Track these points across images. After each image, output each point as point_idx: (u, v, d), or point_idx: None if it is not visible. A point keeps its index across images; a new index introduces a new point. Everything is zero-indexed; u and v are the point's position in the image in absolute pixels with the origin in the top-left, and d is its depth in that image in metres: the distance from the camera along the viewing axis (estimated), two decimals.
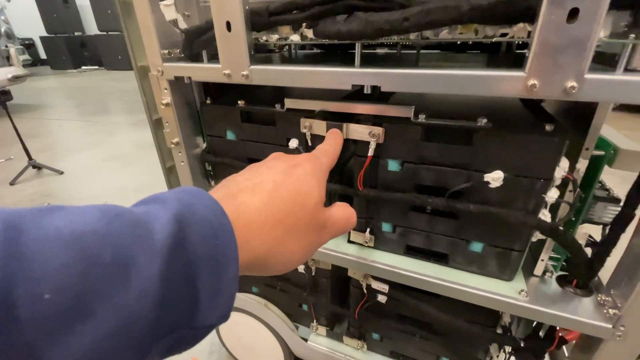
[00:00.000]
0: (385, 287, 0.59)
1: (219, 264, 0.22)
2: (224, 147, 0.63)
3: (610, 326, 0.43)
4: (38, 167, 2.09)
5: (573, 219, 0.48)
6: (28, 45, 6.31)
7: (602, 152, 0.43)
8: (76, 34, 6.23)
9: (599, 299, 0.46)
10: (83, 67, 6.38)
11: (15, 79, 3.01)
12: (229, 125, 0.60)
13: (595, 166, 0.44)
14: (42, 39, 6.19)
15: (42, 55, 6.47)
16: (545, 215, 0.44)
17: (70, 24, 6.11)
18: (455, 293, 0.51)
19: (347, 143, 0.52)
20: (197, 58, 0.56)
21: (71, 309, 0.15)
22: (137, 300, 0.17)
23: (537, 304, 0.47)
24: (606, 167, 0.44)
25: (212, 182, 0.70)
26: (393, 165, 0.50)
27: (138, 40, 0.57)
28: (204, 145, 0.67)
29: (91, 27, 6.20)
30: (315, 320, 0.74)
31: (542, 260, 0.50)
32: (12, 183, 1.93)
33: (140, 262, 0.18)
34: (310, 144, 0.53)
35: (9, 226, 0.15)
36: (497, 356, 0.59)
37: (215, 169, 0.67)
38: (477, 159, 0.44)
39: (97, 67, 6.40)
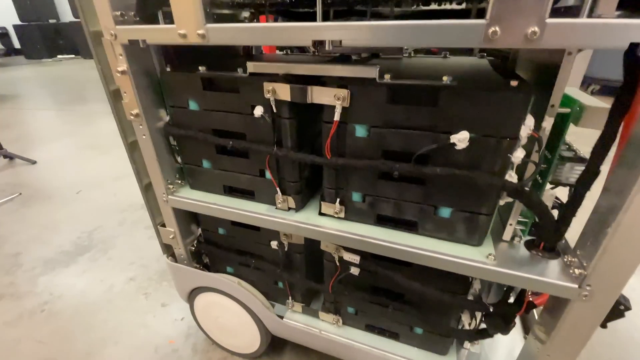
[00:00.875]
0: (356, 258, 0.58)
1: None
2: (188, 119, 0.60)
3: (576, 286, 0.43)
4: (9, 156, 2.00)
5: (540, 181, 0.47)
6: (1, 35, 5.97)
7: (567, 110, 0.42)
8: (50, 21, 5.92)
9: (565, 260, 0.46)
10: (59, 56, 6.07)
11: None
12: (191, 94, 0.57)
13: (561, 125, 0.43)
14: (15, 27, 5.86)
15: (16, 44, 6.13)
16: (511, 176, 0.44)
17: (44, 11, 5.79)
18: (425, 260, 0.50)
19: (315, 110, 0.50)
20: (153, 20, 0.52)
21: None
22: None
23: (504, 267, 0.46)
24: (573, 132, 0.44)
25: (179, 159, 0.67)
26: (360, 131, 0.48)
27: (89, 3, 0.53)
28: (167, 118, 0.63)
29: (66, 14, 5.91)
30: (290, 297, 0.73)
31: (510, 224, 0.50)
32: None
33: None
34: (275, 110, 0.51)
35: None
36: (469, 324, 0.60)
37: (181, 143, 0.64)
38: (443, 119, 0.43)
39: (73, 55, 6.11)
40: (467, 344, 0.66)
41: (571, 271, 0.44)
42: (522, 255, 0.49)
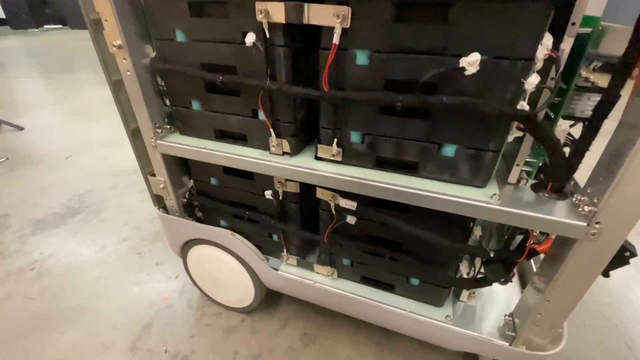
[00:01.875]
0: (353, 205, 0.56)
1: None
2: (175, 52, 0.55)
3: (584, 224, 0.41)
4: None
5: (552, 115, 0.44)
6: None
7: (589, 29, 0.38)
8: None
9: (574, 199, 0.44)
10: (46, 26, 5.78)
11: None
12: (177, 22, 0.52)
13: (579, 50, 0.39)
14: None
15: (1, 14, 5.83)
16: (523, 107, 0.40)
17: None
18: (425, 201, 0.48)
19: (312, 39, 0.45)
20: None
21: None
22: None
23: (509, 206, 0.44)
24: None
25: (167, 101, 0.63)
26: (361, 58, 0.44)
27: None
28: (154, 54, 0.59)
29: None
30: (285, 250, 0.72)
31: (517, 165, 0.47)
32: None
33: None
34: (268, 35, 0.46)
35: None
36: (468, 273, 0.58)
37: (169, 82, 0.60)
38: (453, 40, 0.39)
39: (60, 25, 5.82)
40: (463, 296, 0.65)
41: (580, 209, 0.42)
42: (529, 197, 0.46)
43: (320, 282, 0.69)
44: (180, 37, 0.53)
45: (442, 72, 0.40)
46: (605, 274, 0.52)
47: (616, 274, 1.01)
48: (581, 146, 0.41)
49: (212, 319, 0.85)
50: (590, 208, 0.40)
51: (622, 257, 0.48)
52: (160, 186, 0.70)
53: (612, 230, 0.40)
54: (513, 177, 0.48)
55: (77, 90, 2.64)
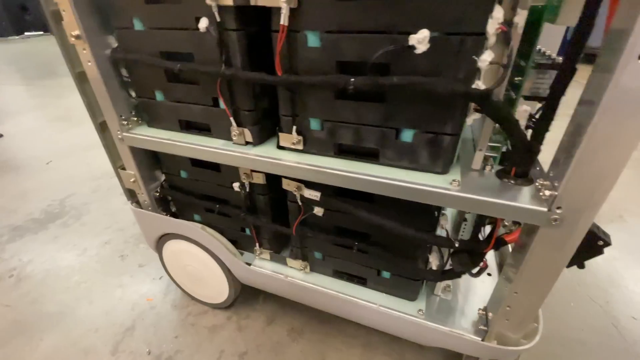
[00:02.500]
0: (317, 195, 0.54)
1: None
2: (134, 41, 0.54)
3: (545, 209, 0.39)
4: None
5: (514, 95, 0.42)
6: None
7: (543, 1, 0.36)
8: None
9: (537, 184, 0.42)
10: (26, 33, 5.57)
11: None
12: (134, 10, 0.51)
13: (535, 23, 0.37)
14: None
15: None
16: (479, 86, 0.38)
17: None
18: (384, 189, 0.46)
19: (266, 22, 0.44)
20: None
21: None
22: None
23: (468, 192, 0.42)
24: None
25: (132, 93, 0.62)
26: (313, 40, 0.43)
27: None
28: (116, 45, 0.58)
29: None
30: (258, 244, 0.70)
31: (480, 150, 0.45)
32: None
33: None
34: (219, 19, 0.45)
35: None
36: (437, 265, 0.56)
37: (132, 73, 0.59)
38: (401, 16, 0.37)
39: (42, 32, 5.64)
40: (438, 290, 0.63)
41: (541, 194, 0.40)
42: (492, 183, 0.44)
43: (292, 276, 0.68)
44: (138, 25, 0.53)
45: (392, 51, 0.39)
46: (580, 265, 0.49)
47: (601, 256, 1.03)
48: (540, 127, 0.38)
49: (197, 319, 0.83)
50: (550, 192, 0.38)
51: (595, 246, 0.46)
52: (131, 180, 0.70)
53: (575, 215, 0.38)
54: (476, 163, 0.46)
55: (59, 96, 2.61)
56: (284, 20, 0.41)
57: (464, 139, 0.56)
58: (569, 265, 0.49)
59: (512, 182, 0.44)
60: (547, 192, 0.38)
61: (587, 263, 0.98)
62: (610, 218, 1.19)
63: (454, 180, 0.43)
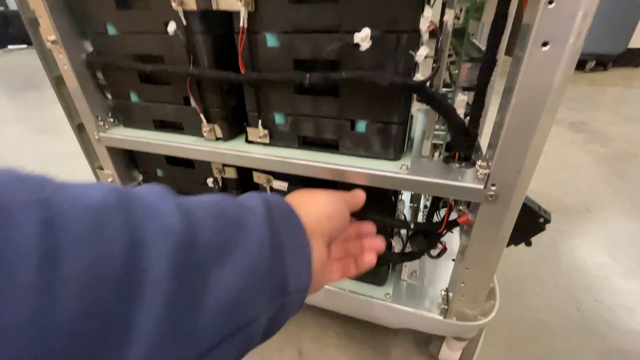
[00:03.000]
0: (284, 185, 0.58)
1: (296, 237, 0.30)
2: (109, 46, 0.58)
3: (481, 187, 0.43)
4: None
5: (452, 87, 0.47)
6: None
7: (468, 2, 0.41)
8: None
9: (477, 165, 0.46)
10: (9, 47, 5.43)
11: None
12: (107, 16, 0.55)
13: (464, 21, 0.42)
14: None
15: None
16: (418, 78, 0.43)
17: None
18: (343, 175, 0.50)
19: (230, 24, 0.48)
20: None
21: (220, 247, 0.23)
22: (257, 248, 0.25)
23: (415, 175, 0.46)
24: None
25: (109, 95, 0.65)
26: (271, 40, 0.47)
27: None
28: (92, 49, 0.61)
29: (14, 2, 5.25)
30: None
31: (427, 138, 0.49)
32: None
33: (252, 225, 0.26)
34: (185, 23, 0.49)
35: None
36: (399, 248, 0.60)
37: (107, 75, 0.62)
38: (345, 17, 0.42)
39: (25, 45, 5.44)
40: (404, 275, 0.67)
41: (478, 173, 0.44)
42: (438, 167, 0.48)
43: None
44: (111, 30, 0.56)
45: (340, 48, 0.43)
46: (527, 242, 0.54)
47: (566, 244, 1.10)
48: (473, 113, 0.43)
49: None
50: (486, 171, 0.43)
51: (536, 223, 0.50)
52: (109, 180, 0.72)
53: (508, 191, 0.42)
54: (425, 150, 0.51)
55: (43, 107, 2.57)
56: (243, 23, 0.45)
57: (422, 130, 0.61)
58: (517, 243, 0.54)
59: (457, 165, 0.48)
60: (483, 172, 0.43)
61: (553, 252, 1.06)
62: (577, 210, 1.26)
63: (403, 165, 0.47)
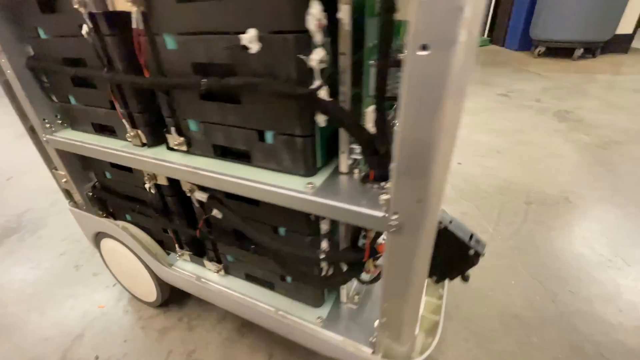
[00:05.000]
0: (204, 196, 0.54)
1: None
2: (44, 49, 0.57)
3: (382, 215, 0.36)
4: None
5: (361, 97, 0.40)
6: None
7: None
8: None
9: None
10: None
11: None
12: (35, 20, 0.54)
13: (363, 18, 0.35)
14: None
15: None
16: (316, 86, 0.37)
17: None
18: (250, 191, 0.45)
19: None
20: None
21: None
22: None
23: (320, 196, 0.40)
24: None
25: (54, 98, 0.65)
26: (170, 42, 0.43)
27: None
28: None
29: None
30: (178, 245, 0.71)
31: (343, 152, 0.43)
32: None
33: None
34: (91, 24, 0.46)
35: None
36: (328, 272, 0.54)
37: (48, 79, 0.62)
38: (230, 16, 0.37)
39: None
40: (343, 297, 0.61)
41: (380, 199, 0.37)
42: (353, 187, 0.42)
43: (211, 280, 0.68)
44: (42, 34, 0.56)
45: (232, 51, 0.38)
46: (464, 277, 0.46)
47: (544, 234, 1.05)
48: (378, 126, 0.36)
49: (148, 322, 0.84)
50: (386, 197, 0.36)
51: (466, 256, 0.43)
52: (63, 180, 0.73)
53: (412, 220, 0.35)
54: (343, 166, 0.44)
55: None
56: (136, 24, 0.42)
57: None
58: (451, 277, 0.46)
59: (373, 186, 0.42)
60: (384, 198, 0.36)
61: (530, 244, 1.02)
62: (556, 200, 1.20)
63: (310, 184, 0.42)
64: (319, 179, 0.43)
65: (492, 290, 0.85)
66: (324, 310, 0.59)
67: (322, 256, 0.47)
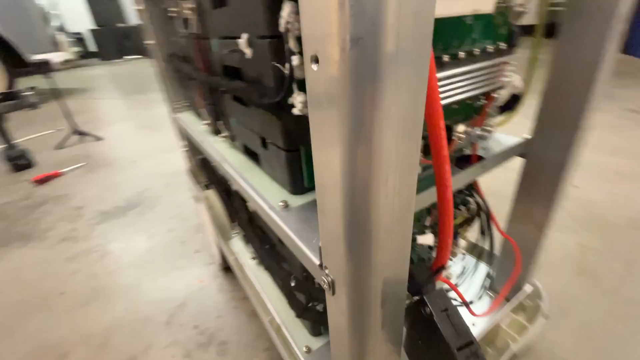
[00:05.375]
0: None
1: None
2: (175, 47, 0.74)
3: (317, 262, 0.29)
4: (80, 132, 2.22)
5: None
6: (79, 39, 6.15)
7: None
8: (119, 25, 6.07)
9: None
10: (126, 57, 6.25)
11: (66, 62, 3.51)
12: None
13: None
14: (92, 32, 6.01)
15: (91, 47, 6.25)
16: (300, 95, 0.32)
17: (114, 16, 6.02)
18: (244, 192, 0.45)
19: None
20: None
21: None
22: None
23: (282, 218, 0.36)
24: None
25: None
26: (214, 45, 0.48)
27: None
28: None
29: (132, 18, 6.09)
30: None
31: None
32: (59, 147, 2.13)
33: None
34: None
35: None
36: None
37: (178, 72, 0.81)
38: (232, 22, 0.37)
39: (139, 56, 6.25)
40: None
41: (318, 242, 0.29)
42: None
43: (243, 262, 0.73)
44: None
45: (236, 55, 0.39)
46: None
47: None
48: None
49: (240, 303, 0.88)
50: (320, 243, 0.28)
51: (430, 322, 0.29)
52: (185, 148, 0.94)
53: (344, 282, 0.26)
54: None
55: (147, 108, 2.93)
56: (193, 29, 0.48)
57: None
58: None
59: None
60: (319, 243, 0.28)
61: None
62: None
63: (282, 202, 0.38)
64: (298, 200, 0.39)
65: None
66: (319, 341, 0.53)
67: (293, 283, 0.42)
